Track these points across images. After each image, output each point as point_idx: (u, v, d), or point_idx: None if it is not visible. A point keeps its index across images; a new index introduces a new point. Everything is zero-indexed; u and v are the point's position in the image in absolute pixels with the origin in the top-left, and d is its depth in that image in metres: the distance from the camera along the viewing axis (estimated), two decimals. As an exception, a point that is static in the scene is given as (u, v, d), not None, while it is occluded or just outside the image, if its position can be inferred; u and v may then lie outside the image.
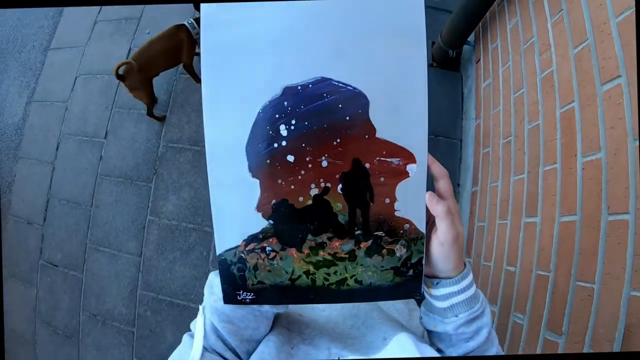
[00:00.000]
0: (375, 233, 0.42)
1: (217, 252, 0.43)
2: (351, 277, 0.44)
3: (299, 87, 0.40)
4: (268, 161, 0.41)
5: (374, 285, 0.44)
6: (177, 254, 1.62)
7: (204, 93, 0.40)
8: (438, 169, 0.43)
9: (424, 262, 0.44)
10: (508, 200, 1.27)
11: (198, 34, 1.61)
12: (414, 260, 0.44)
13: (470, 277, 0.45)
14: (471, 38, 1.62)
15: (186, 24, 1.61)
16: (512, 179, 1.25)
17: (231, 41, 0.40)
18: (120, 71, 1.55)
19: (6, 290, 1.80)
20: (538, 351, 1.10)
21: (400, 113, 0.40)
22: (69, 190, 1.82)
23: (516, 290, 1.19)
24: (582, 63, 0.94)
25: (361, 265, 0.43)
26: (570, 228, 0.96)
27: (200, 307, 0.46)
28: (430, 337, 0.50)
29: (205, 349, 0.44)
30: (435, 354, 0.44)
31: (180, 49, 1.62)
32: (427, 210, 0.42)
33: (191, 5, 1.70)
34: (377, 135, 0.40)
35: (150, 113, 1.72)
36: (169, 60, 1.64)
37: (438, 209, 0.41)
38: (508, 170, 1.29)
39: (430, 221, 0.43)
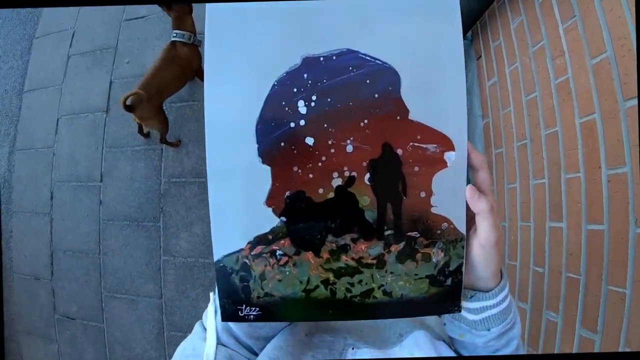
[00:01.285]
0: (409, 233, 0.36)
1: (215, 258, 0.36)
2: (379, 288, 0.37)
3: (322, 58, 0.35)
4: (282, 144, 0.34)
5: (406, 298, 0.38)
6: (199, 290, 1.59)
7: (206, 60, 0.35)
8: (478, 159, 0.37)
9: (463, 269, 0.38)
10: (529, 203, 1.29)
11: (190, 37, 1.52)
12: (452, 267, 0.37)
13: (507, 289, 0.40)
14: (468, 34, 1.60)
15: (175, 39, 1.51)
16: (532, 183, 1.27)
17: (242, 9, 0.35)
18: (129, 102, 1.46)
19: (25, 349, 1.75)
20: (575, 348, 1.14)
21: (435, 93, 0.35)
22: (72, 240, 1.74)
23: (546, 291, 1.23)
24: (602, 75, 0.94)
25: (391, 273, 0.37)
26: (598, 237, 0.98)
27: (211, 295, 0.41)
28: (453, 342, 0.45)
29: (219, 343, 0.40)
30: (452, 354, 0.42)
31: (188, 64, 1.54)
32: (467, 208, 0.36)
33: (168, 24, 1.59)
34: (410, 117, 0.35)
35: (163, 140, 1.64)
36: (182, 80, 1.56)
37: (480, 206, 0.35)
38: (526, 173, 1.30)
39: (470, 222, 0.37)
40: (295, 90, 0.34)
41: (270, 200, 0.35)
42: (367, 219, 0.36)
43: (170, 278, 1.63)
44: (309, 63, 0.35)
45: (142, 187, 1.69)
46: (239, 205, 0.35)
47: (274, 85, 0.34)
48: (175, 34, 1.51)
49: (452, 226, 0.36)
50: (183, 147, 1.67)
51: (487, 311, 0.39)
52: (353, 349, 0.42)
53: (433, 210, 0.36)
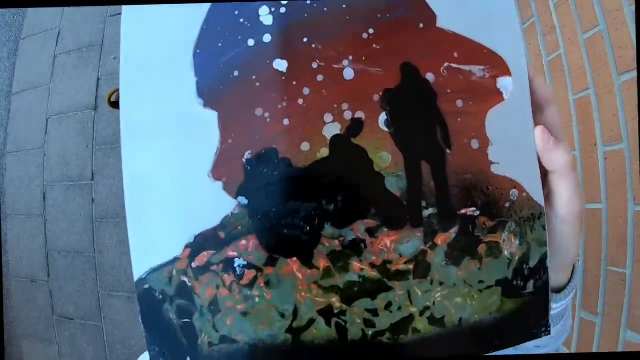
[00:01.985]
0: (463, 211, 0.23)
1: (135, 276, 0.23)
2: (422, 314, 0.23)
3: None
4: (236, 73, 0.22)
5: (467, 324, 0.23)
6: (196, 287, 1.58)
7: None
8: (543, 89, 0.26)
9: (548, 262, 0.25)
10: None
11: None
12: (533, 262, 0.24)
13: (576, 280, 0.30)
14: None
15: None
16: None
17: None
18: (114, 98, 1.44)
19: (26, 352, 1.75)
20: (575, 330, 1.13)
21: None
22: (67, 240, 1.73)
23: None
24: (595, 50, 0.92)
25: (440, 284, 0.23)
26: (597, 216, 0.97)
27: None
28: None
29: None
30: None
31: None
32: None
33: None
34: (439, 24, 0.23)
35: None
36: None
37: (558, 158, 0.24)
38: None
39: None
40: None
41: (218, 170, 0.22)
42: (389, 190, 0.22)
43: (167, 275, 1.61)
44: None
45: (134, 185, 1.67)
46: (167, 183, 0.23)
47: None
48: None
49: (524, 194, 0.24)
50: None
51: (552, 312, 0.28)
52: None
53: (494, 169, 0.24)
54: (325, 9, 0.23)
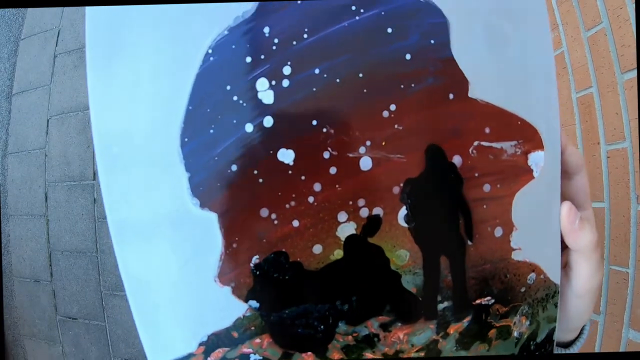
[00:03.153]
0: (479, 301, 0.22)
1: None
2: None
3: None
4: (234, 167, 0.20)
5: None
6: (198, 286, 1.58)
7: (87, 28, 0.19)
8: (575, 157, 0.24)
9: (555, 336, 0.24)
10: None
11: None
12: (540, 339, 0.24)
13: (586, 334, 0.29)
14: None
15: None
16: (529, 162, 1.25)
17: None
18: None
19: (30, 352, 1.76)
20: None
21: (507, 51, 0.21)
22: (69, 240, 1.74)
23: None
24: (598, 47, 0.91)
25: None
26: (600, 215, 0.96)
27: None
28: None
29: None
30: None
31: None
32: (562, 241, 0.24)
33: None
34: (471, 93, 0.21)
35: None
36: None
37: (584, 240, 0.23)
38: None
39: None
40: (249, 60, 0.19)
41: (224, 275, 0.20)
42: (406, 287, 0.21)
43: (169, 274, 1.61)
44: (272, 5, 0.19)
45: (135, 184, 1.67)
46: (173, 286, 0.21)
47: (207, 55, 0.19)
48: None
49: (542, 276, 0.23)
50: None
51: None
52: None
53: (515, 256, 0.22)
54: (338, 80, 0.19)
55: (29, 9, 1.89)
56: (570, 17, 0.99)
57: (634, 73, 0.81)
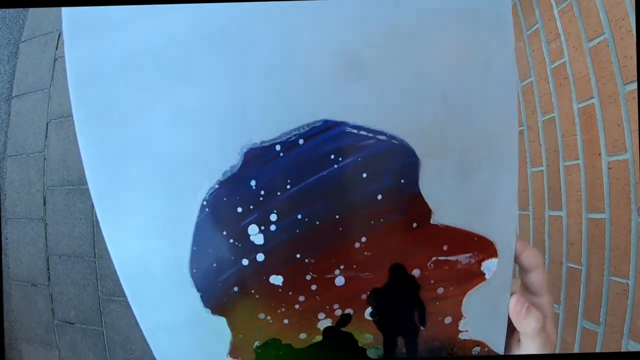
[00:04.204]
0: None
1: None
2: None
3: (277, 147, 0.21)
4: (236, 289, 0.25)
5: None
6: (196, 292, 1.58)
7: (87, 175, 0.23)
8: (532, 258, 0.28)
9: None
10: (527, 191, 1.26)
11: None
12: None
13: None
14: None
15: None
16: (530, 170, 1.24)
17: (122, 62, 0.21)
18: None
19: (26, 356, 1.75)
20: (577, 339, 1.12)
21: (476, 175, 0.24)
22: (67, 245, 1.73)
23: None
24: (600, 58, 0.91)
25: None
26: (600, 226, 0.96)
27: None
28: None
29: None
30: None
31: None
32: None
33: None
34: (434, 220, 0.24)
35: None
36: None
37: (528, 327, 0.27)
38: (523, 161, 1.27)
39: (512, 329, 0.29)
40: (239, 210, 0.23)
41: (234, 352, 0.27)
42: (371, 358, 0.27)
43: (167, 280, 1.60)
44: (257, 159, 0.22)
45: (134, 189, 1.66)
46: (195, 358, 0.27)
47: (202, 207, 0.23)
48: None
49: (486, 349, 0.28)
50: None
51: None
52: None
53: (462, 336, 0.27)
54: (317, 222, 0.23)
55: (30, 11, 1.89)
56: (572, 27, 0.99)
57: (635, 85, 0.81)
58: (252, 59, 0.21)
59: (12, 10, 1.81)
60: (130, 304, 0.26)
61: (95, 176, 0.24)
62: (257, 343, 0.27)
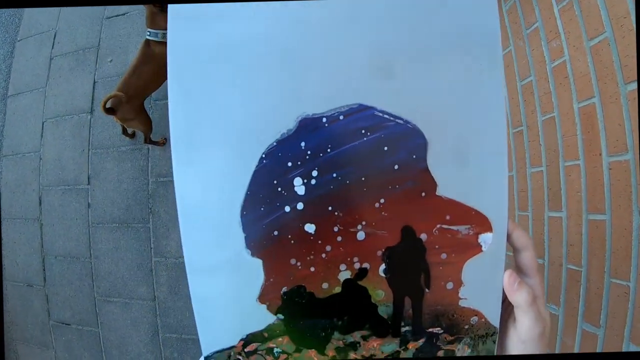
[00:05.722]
0: (430, 329, 0.31)
1: (204, 353, 0.32)
2: None
3: (324, 119, 0.28)
4: (276, 233, 0.29)
5: None
6: (193, 292, 1.57)
7: (171, 128, 0.29)
8: (521, 238, 0.31)
9: None
10: (526, 192, 1.24)
11: (164, 36, 1.48)
12: None
13: None
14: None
15: (149, 37, 1.46)
16: (529, 171, 1.22)
17: (213, 47, 0.28)
18: (109, 105, 1.42)
19: (22, 356, 1.74)
20: (577, 342, 1.11)
21: (472, 160, 0.29)
22: (63, 245, 1.72)
23: (547, 283, 1.19)
24: (601, 57, 0.89)
25: None
26: (600, 227, 0.94)
27: None
28: None
29: None
30: None
31: (165, 61, 1.48)
32: (504, 295, 0.31)
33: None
34: (438, 192, 0.29)
35: (148, 140, 1.59)
36: (161, 77, 1.50)
37: (519, 298, 0.30)
38: (523, 161, 1.25)
39: (507, 308, 0.32)
40: (289, 164, 0.29)
41: (263, 297, 0.30)
42: (380, 314, 0.31)
43: (163, 280, 1.60)
44: (307, 127, 0.28)
45: (130, 188, 1.66)
46: (226, 301, 0.31)
47: (261, 158, 0.28)
48: (148, 33, 1.46)
49: (483, 319, 0.31)
50: (169, 145, 1.63)
51: None
52: None
53: (461, 303, 0.31)
54: (348, 182, 0.29)
55: (26, 11, 1.87)
56: (572, 25, 0.97)
57: (637, 84, 0.79)
58: (310, 53, 0.28)
59: (8, 9, 1.80)
60: (182, 244, 0.29)
61: (179, 131, 0.28)
62: (284, 289, 0.30)
